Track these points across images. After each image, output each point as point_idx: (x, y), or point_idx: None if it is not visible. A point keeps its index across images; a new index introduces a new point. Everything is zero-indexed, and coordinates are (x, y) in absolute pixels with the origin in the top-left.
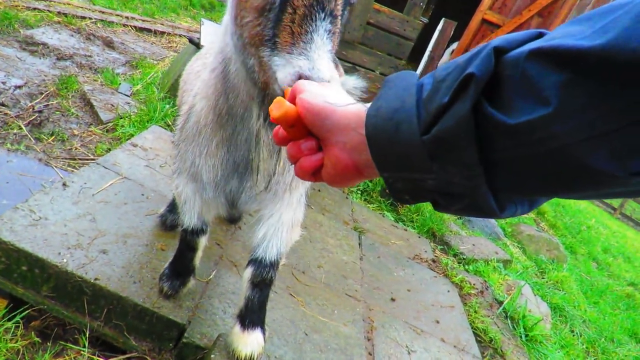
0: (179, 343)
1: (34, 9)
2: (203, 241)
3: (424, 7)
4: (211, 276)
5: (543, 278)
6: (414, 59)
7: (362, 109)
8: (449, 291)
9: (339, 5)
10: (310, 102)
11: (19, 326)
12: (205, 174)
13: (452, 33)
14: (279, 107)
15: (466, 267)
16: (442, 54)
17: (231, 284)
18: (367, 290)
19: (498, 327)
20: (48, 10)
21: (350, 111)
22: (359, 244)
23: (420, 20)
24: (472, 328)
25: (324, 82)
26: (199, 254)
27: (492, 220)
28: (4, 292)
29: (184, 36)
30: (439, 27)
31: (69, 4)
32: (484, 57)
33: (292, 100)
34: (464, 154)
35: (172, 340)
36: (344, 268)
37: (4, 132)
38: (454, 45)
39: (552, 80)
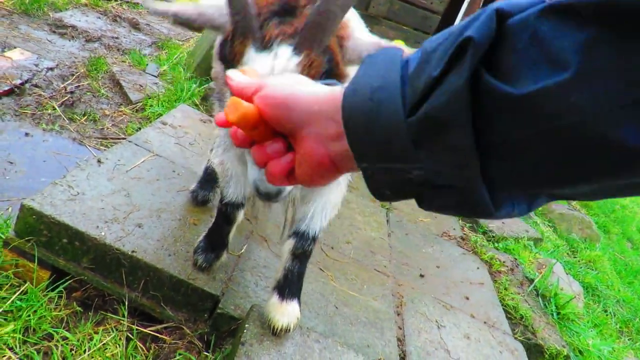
0: (213, 314)
1: None
2: (241, 215)
3: None
4: (242, 250)
5: (575, 257)
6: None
7: (338, 91)
8: (478, 268)
9: None
10: (270, 94)
11: (62, 296)
12: (250, 160)
13: (481, 4)
14: (235, 108)
15: (496, 245)
16: None
17: (262, 258)
18: (395, 266)
19: (529, 304)
20: None
21: (321, 96)
22: (387, 221)
23: None
24: (502, 305)
25: (271, 192)
26: (234, 228)
27: None
28: (47, 263)
29: None
30: (466, 0)
31: None
32: (484, 19)
33: (252, 94)
34: (456, 137)
35: (206, 311)
36: (372, 244)
37: (39, 112)
38: None
39: (572, 40)
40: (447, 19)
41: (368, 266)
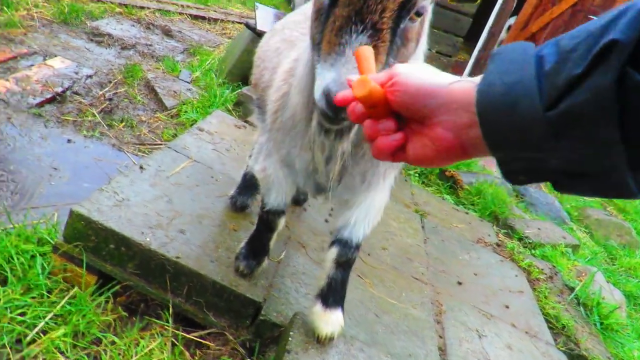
0: (255, 320)
1: (98, 0)
2: (282, 222)
3: None
4: (282, 256)
5: (614, 264)
6: (469, 36)
7: (469, 85)
8: (516, 276)
9: (386, 18)
10: (412, 83)
11: (108, 301)
12: (297, 163)
13: (514, 6)
14: (363, 85)
15: (532, 251)
16: (502, 29)
17: (300, 264)
18: (433, 274)
19: (570, 314)
20: (110, 2)
21: (456, 89)
22: (422, 227)
23: None
24: (542, 314)
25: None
26: (275, 235)
27: (557, 204)
28: (94, 268)
29: (237, 22)
30: (500, 0)
31: None
32: (630, 21)
33: (384, 82)
34: (601, 130)
35: (248, 317)
36: (408, 251)
37: (79, 119)
38: (511, 21)
39: None
40: (478, 20)
41: (405, 273)
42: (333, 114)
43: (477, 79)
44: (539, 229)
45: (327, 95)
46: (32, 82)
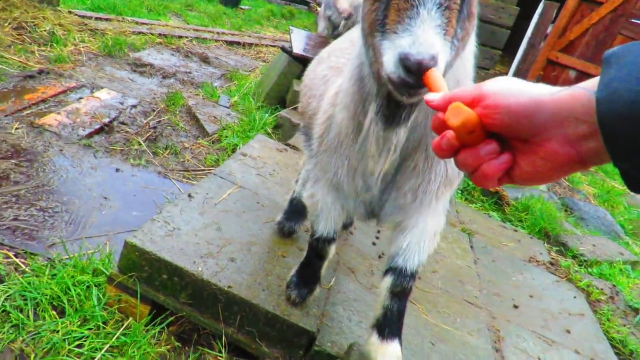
0: (309, 351)
1: (139, 33)
2: (333, 249)
3: None
4: (332, 283)
5: None
6: (506, 48)
7: (581, 92)
8: (575, 297)
9: None
10: (512, 102)
11: (162, 331)
12: (345, 184)
13: (553, 16)
14: (458, 113)
15: (589, 270)
16: (542, 39)
17: (351, 291)
18: (486, 297)
19: (637, 337)
20: (150, 33)
21: (563, 98)
22: (471, 247)
23: (517, 6)
24: (607, 339)
25: (425, 58)
26: (326, 263)
27: (610, 217)
28: (147, 298)
29: (271, 46)
30: (539, 10)
31: (167, 25)
32: None
33: (472, 105)
34: None
35: (301, 348)
36: (459, 273)
37: (127, 148)
38: (549, 29)
39: None
40: (517, 32)
41: (458, 297)
42: (415, 80)
43: (587, 85)
44: (593, 245)
45: (406, 60)
46: (82, 114)
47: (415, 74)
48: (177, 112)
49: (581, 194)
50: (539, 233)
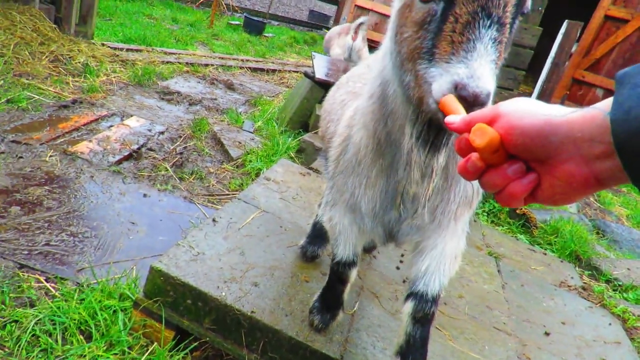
0: None
1: (167, 62)
2: (354, 273)
3: (542, 12)
4: (355, 308)
5: None
6: (529, 69)
7: (595, 113)
8: (610, 324)
9: (508, 13)
10: (526, 123)
11: (186, 357)
12: (364, 205)
13: (577, 35)
14: (483, 134)
15: (624, 295)
16: (566, 59)
17: (375, 316)
18: (516, 323)
19: None
20: (178, 62)
21: (577, 119)
22: (498, 271)
23: (539, 27)
24: None
25: (482, 93)
26: (349, 287)
27: None
28: (172, 324)
29: (294, 71)
30: (562, 29)
31: (194, 55)
32: None
33: (489, 122)
34: None
35: None
36: (486, 298)
37: (154, 174)
38: (573, 48)
39: None
40: (541, 52)
41: (486, 323)
42: (468, 109)
43: (602, 106)
44: (628, 269)
45: (462, 89)
46: (112, 142)
47: (468, 104)
48: (203, 138)
49: (613, 216)
50: (569, 256)
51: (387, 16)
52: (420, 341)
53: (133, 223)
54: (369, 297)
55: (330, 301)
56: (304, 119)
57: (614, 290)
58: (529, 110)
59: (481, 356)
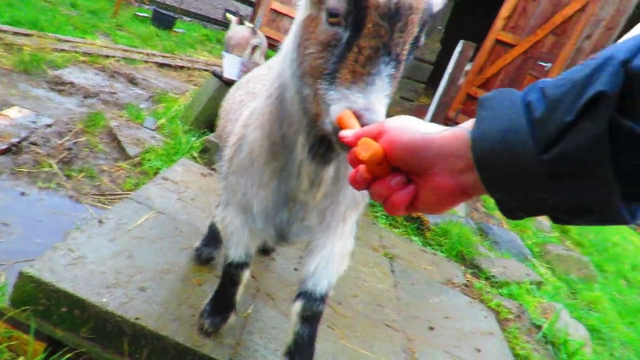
0: None
1: (61, 50)
2: (246, 275)
3: (442, 30)
4: (249, 310)
5: (575, 299)
6: (430, 82)
7: (460, 132)
8: (486, 317)
9: (406, 51)
10: (405, 139)
11: None
12: (256, 205)
13: (471, 54)
14: (367, 147)
15: (499, 290)
16: (461, 75)
17: (270, 318)
18: (404, 319)
19: (539, 353)
20: (74, 51)
21: (447, 137)
22: (392, 271)
23: (439, 44)
24: (513, 355)
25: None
26: (241, 288)
27: (519, 241)
28: (43, 334)
29: (204, 70)
30: (458, 48)
31: (93, 44)
32: (612, 73)
33: (375, 139)
34: (595, 171)
35: None
36: (379, 297)
37: (35, 170)
38: (469, 66)
39: None
40: (438, 67)
41: (377, 321)
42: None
43: (467, 125)
44: (504, 267)
45: (357, 117)
46: None
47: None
48: (97, 134)
49: (495, 219)
50: (456, 256)
51: None
52: (308, 340)
53: (5, 224)
54: (265, 299)
55: (222, 304)
56: (210, 119)
57: (491, 286)
58: (409, 127)
59: (370, 352)
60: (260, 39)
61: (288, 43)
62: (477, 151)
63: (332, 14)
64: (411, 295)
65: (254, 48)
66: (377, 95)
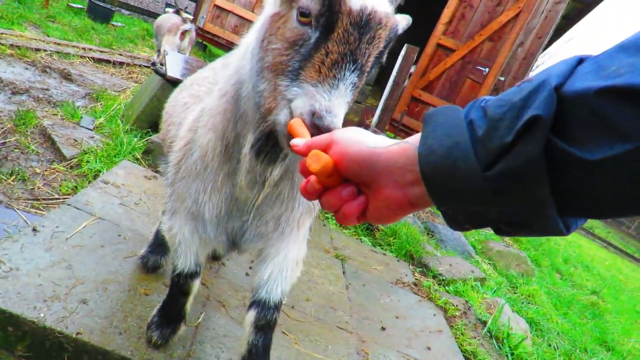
0: None
1: None
2: (197, 284)
3: None
4: (200, 319)
5: (515, 293)
6: (377, 83)
7: (407, 146)
8: (435, 315)
9: (369, 63)
10: (353, 151)
11: None
12: (207, 211)
13: (415, 58)
14: (317, 159)
15: (446, 288)
16: (406, 79)
17: (221, 326)
18: (357, 321)
19: (485, 348)
20: (0, 44)
21: (394, 151)
22: (343, 272)
23: None
24: (461, 351)
25: (334, 129)
26: (191, 298)
27: (463, 239)
28: None
29: (145, 66)
30: (402, 52)
31: (21, 36)
32: (546, 97)
33: (326, 150)
34: (533, 188)
35: None
36: (332, 299)
37: None
38: (413, 69)
39: (630, 117)
40: (384, 70)
41: (330, 324)
42: (314, 134)
43: (413, 140)
44: (450, 264)
45: (317, 118)
46: None
47: (318, 131)
48: (29, 134)
49: (440, 218)
50: (405, 256)
51: (247, 19)
52: (262, 349)
53: None
54: (216, 307)
55: (171, 314)
56: (154, 118)
57: (438, 284)
58: (358, 140)
59: (324, 356)
60: (190, 27)
61: (250, 39)
62: (424, 166)
63: (303, 13)
64: (363, 296)
65: (184, 33)
66: (339, 100)
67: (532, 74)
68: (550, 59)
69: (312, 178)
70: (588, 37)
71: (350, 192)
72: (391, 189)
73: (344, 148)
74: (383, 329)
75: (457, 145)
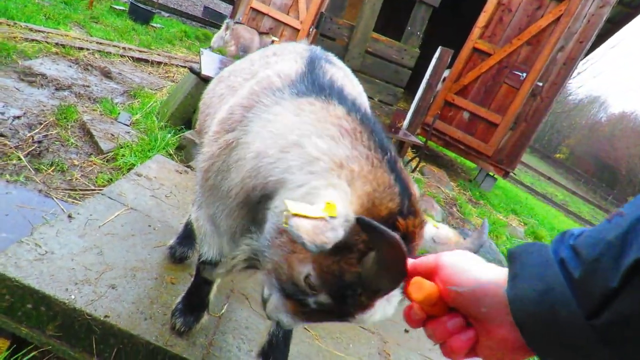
0: None
1: (32, 40)
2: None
3: (421, 36)
4: (223, 310)
5: None
6: (409, 87)
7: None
8: None
9: None
10: (459, 281)
11: None
12: (222, 227)
13: (449, 60)
14: (420, 288)
15: None
16: (439, 81)
17: (244, 318)
18: (380, 322)
19: None
20: (46, 42)
21: (502, 285)
22: None
23: (418, 49)
24: None
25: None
26: (215, 288)
27: (494, 247)
28: (7, 332)
29: (181, 66)
30: (436, 55)
31: (66, 36)
32: None
33: (427, 275)
34: None
35: None
36: None
37: (2, 163)
38: (446, 73)
39: None
40: (417, 72)
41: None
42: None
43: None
44: None
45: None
46: None
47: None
48: (69, 127)
49: (471, 225)
50: None
51: (282, 22)
52: (283, 341)
53: None
54: (240, 299)
55: (194, 303)
56: (187, 116)
57: None
58: (463, 269)
59: (345, 354)
60: (230, 21)
61: None
62: (517, 314)
63: (311, 286)
64: None
65: (227, 26)
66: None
67: (572, 81)
68: (593, 65)
69: (415, 305)
70: (637, 43)
71: (457, 325)
72: (506, 329)
73: (450, 276)
74: (406, 331)
75: (552, 290)
